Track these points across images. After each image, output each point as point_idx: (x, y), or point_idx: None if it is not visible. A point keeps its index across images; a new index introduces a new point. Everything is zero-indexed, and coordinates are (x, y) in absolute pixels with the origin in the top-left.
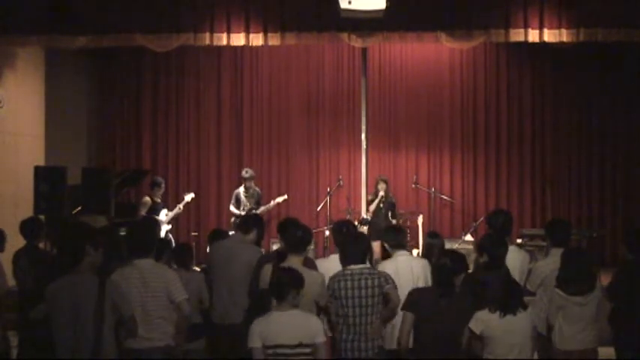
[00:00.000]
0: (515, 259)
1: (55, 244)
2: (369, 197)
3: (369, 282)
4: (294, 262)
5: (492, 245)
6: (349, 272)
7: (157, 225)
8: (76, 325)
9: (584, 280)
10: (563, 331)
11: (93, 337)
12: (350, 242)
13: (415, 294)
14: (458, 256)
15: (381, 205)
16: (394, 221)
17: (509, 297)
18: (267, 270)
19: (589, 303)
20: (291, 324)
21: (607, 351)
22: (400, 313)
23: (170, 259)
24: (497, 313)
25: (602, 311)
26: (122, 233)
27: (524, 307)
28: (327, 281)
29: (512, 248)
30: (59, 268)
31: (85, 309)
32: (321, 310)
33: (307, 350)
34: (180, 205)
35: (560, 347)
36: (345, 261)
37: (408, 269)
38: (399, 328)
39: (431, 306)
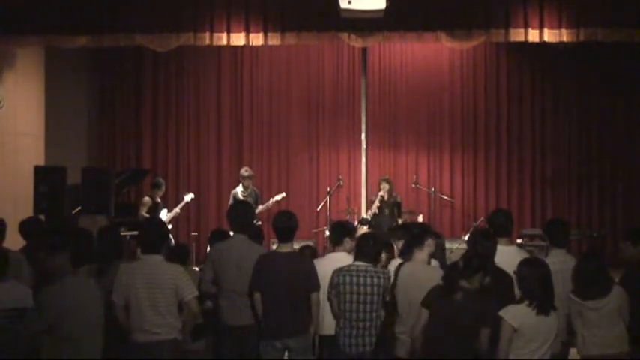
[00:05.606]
0: (515, 259)
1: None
2: (372, 198)
3: (369, 280)
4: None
5: None
6: (354, 268)
7: (165, 225)
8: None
9: (595, 283)
10: (583, 337)
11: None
12: (366, 240)
13: (433, 291)
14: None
15: (380, 205)
16: (400, 220)
17: (547, 295)
18: None
19: (604, 307)
20: None
21: None
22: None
23: (167, 258)
24: (534, 309)
25: (624, 314)
26: (123, 233)
27: (554, 308)
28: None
29: (512, 248)
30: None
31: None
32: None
33: None
34: (177, 209)
35: (582, 353)
36: (356, 256)
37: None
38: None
39: (442, 303)
